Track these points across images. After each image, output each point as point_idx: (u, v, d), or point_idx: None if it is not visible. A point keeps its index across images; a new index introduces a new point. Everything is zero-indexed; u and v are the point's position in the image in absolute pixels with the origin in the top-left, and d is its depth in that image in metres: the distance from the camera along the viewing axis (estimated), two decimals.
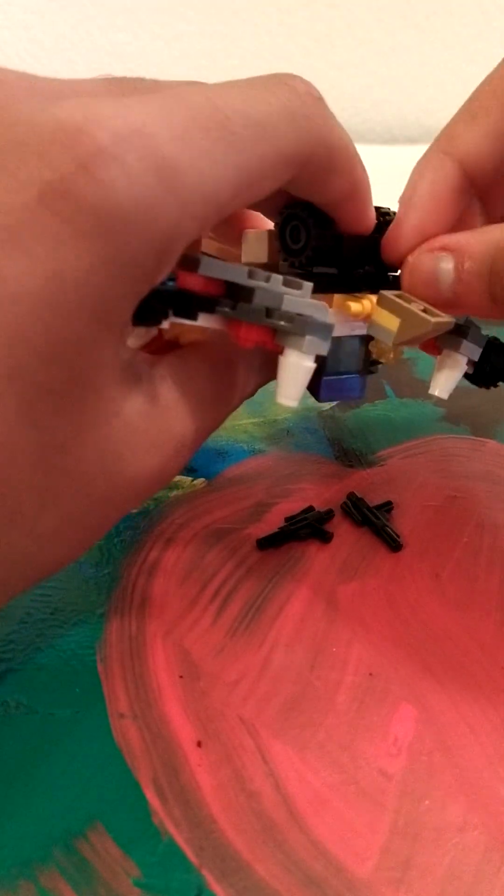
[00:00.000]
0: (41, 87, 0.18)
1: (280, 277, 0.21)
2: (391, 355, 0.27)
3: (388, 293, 0.23)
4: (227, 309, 0.20)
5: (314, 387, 0.26)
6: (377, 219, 0.25)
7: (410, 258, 0.24)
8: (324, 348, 0.21)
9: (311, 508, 0.28)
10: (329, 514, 0.28)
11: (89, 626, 0.23)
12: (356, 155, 0.22)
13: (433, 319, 0.22)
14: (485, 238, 0.22)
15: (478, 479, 0.31)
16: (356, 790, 0.19)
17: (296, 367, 0.21)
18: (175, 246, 0.17)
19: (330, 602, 0.24)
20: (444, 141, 0.25)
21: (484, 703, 0.21)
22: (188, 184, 0.17)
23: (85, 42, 0.85)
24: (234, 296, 0.20)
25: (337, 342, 0.25)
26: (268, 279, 0.20)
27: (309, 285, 0.21)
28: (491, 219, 0.27)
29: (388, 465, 0.31)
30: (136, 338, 0.23)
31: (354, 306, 0.24)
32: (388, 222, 0.25)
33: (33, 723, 0.20)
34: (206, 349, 0.22)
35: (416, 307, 0.23)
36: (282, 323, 0.20)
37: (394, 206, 0.26)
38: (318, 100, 0.21)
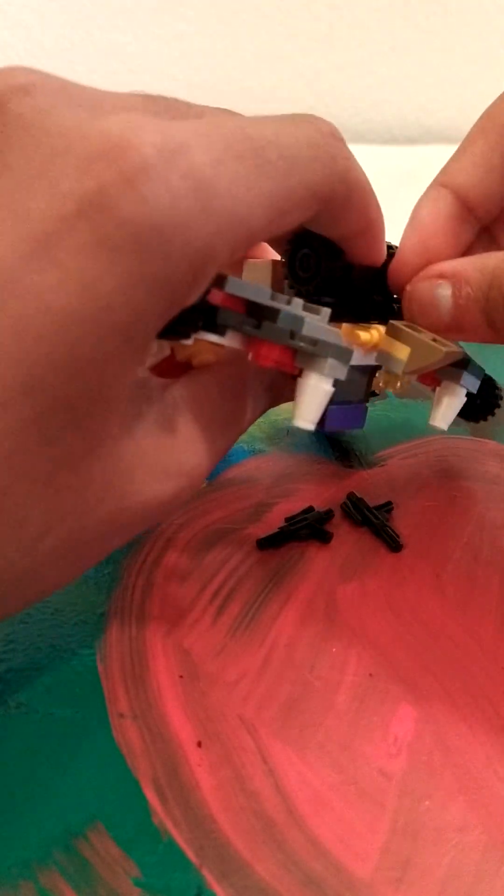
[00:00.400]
0: (81, 96, 0.18)
1: (300, 301, 0.21)
2: (398, 384, 0.27)
3: (398, 323, 0.23)
4: (252, 325, 0.20)
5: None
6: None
7: (408, 286, 0.24)
8: (343, 373, 0.22)
9: (311, 509, 0.28)
10: (329, 515, 0.28)
11: (89, 626, 0.23)
12: (373, 193, 0.23)
13: (444, 349, 0.22)
14: (481, 265, 0.23)
15: (478, 480, 0.31)
16: (356, 790, 0.19)
17: (315, 390, 0.21)
18: (208, 268, 0.17)
19: (330, 602, 0.24)
20: (440, 174, 0.26)
21: (484, 703, 0.21)
22: (224, 207, 0.17)
23: (85, 42, 0.85)
24: (257, 315, 0.20)
25: None
26: (288, 302, 0.21)
27: (327, 311, 0.21)
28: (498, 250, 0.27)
29: (388, 465, 0.31)
30: (149, 357, 0.22)
31: (364, 335, 0.24)
32: (394, 255, 0.25)
33: (33, 723, 0.20)
34: (217, 373, 0.22)
35: (425, 337, 0.23)
36: (304, 345, 0.20)
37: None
38: (340, 140, 0.21)
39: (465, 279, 0.23)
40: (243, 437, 0.33)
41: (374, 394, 0.30)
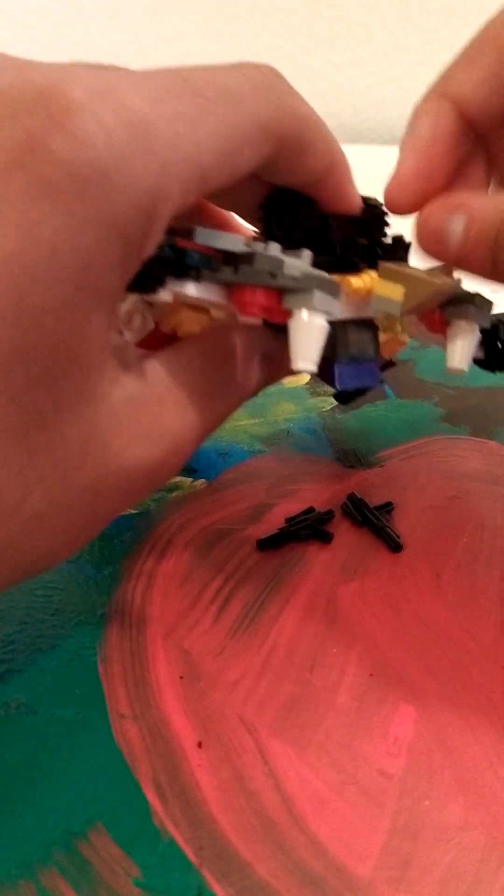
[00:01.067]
0: (9, 62, 0.18)
1: (277, 245, 0.20)
2: (398, 328, 0.26)
3: (388, 264, 0.23)
4: (229, 272, 0.20)
5: (329, 376, 0.26)
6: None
7: (424, 212, 0.23)
8: (334, 307, 0.21)
9: (311, 509, 0.28)
10: (329, 515, 0.28)
11: (90, 626, 0.23)
12: (328, 130, 0.22)
13: (437, 281, 0.22)
14: (495, 205, 0.22)
15: (478, 480, 0.31)
16: (356, 790, 0.19)
17: (308, 327, 0.20)
18: (160, 209, 0.17)
19: (330, 602, 0.24)
20: (442, 84, 0.25)
21: (484, 703, 0.21)
22: (166, 143, 0.17)
23: (85, 42, 0.85)
24: (234, 263, 0.20)
25: (342, 327, 0.25)
26: (265, 248, 0.20)
27: (308, 253, 0.21)
28: (493, 164, 0.27)
29: (389, 465, 0.31)
30: (132, 332, 0.22)
31: (356, 282, 0.23)
32: (371, 208, 0.25)
33: (34, 723, 0.20)
34: (201, 342, 0.22)
35: (418, 272, 0.22)
36: (287, 283, 0.20)
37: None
38: (282, 77, 0.21)
39: (479, 216, 0.22)
40: (243, 437, 0.33)
41: (390, 363, 0.29)
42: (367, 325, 0.25)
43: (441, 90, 0.24)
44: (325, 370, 0.25)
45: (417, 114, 0.25)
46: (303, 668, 0.22)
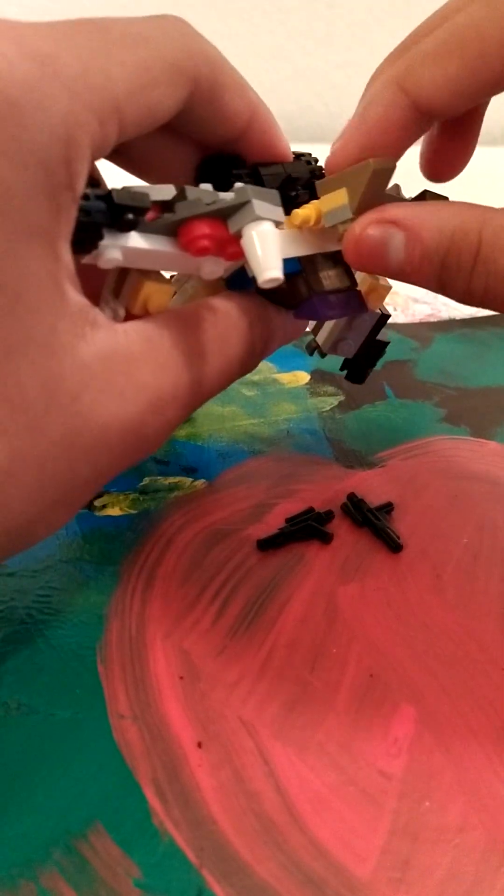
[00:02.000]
0: None
1: (209, 185, 0.21)
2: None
3: (322, 180, 0.23)
4: (168, 217, 0.20)
5: (311, 311, 0.25)
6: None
7: (357, 228, 0.22)
8: (278, 213, 0.21)
9: (311, 509, 0.28)
10: (329, 515, 0.28)
11: (90, 627, 0.23)
12: (243, 78, 0.22)
13: (371, 161, 0.22)
14: (439, 225, 0.21)
15: (478, 480, 0.31)
16: (356, 790, 0.19)
17: (261, 236, 0.21)
18: (78, 137, 0.17)
19: (330, 603, 0.24)
20: (404, 74, 0.23)
21: (484, 703, 0.21)
22: (72, 72, 0.17)
23: None
24: (168, 208, 0.20)
25: (311, 263, 0.24)
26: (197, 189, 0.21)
27: (240, 185, 0.21)
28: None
29: (389, 465, 0.31)
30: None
31: (301, 212, 0.23)
32: (299, 157, 0.25)
33: (34, 723, 0.20)
34: (176, 312, 0.22)
35: (350, 168, 0.22)
36: (225, 200, 0.20)
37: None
38: (190, 25, 0.21)
39: (421, 239, 0.21)
40: (243, 438, 0.33)
41: (386, 316, 0.29)
42: (337, 258, 0.25)
43: (400, 81, 0.23)
44: (308, 310, 0.25)
45: (373, 100, 0.24)
46: (303, 669, 0.22)
